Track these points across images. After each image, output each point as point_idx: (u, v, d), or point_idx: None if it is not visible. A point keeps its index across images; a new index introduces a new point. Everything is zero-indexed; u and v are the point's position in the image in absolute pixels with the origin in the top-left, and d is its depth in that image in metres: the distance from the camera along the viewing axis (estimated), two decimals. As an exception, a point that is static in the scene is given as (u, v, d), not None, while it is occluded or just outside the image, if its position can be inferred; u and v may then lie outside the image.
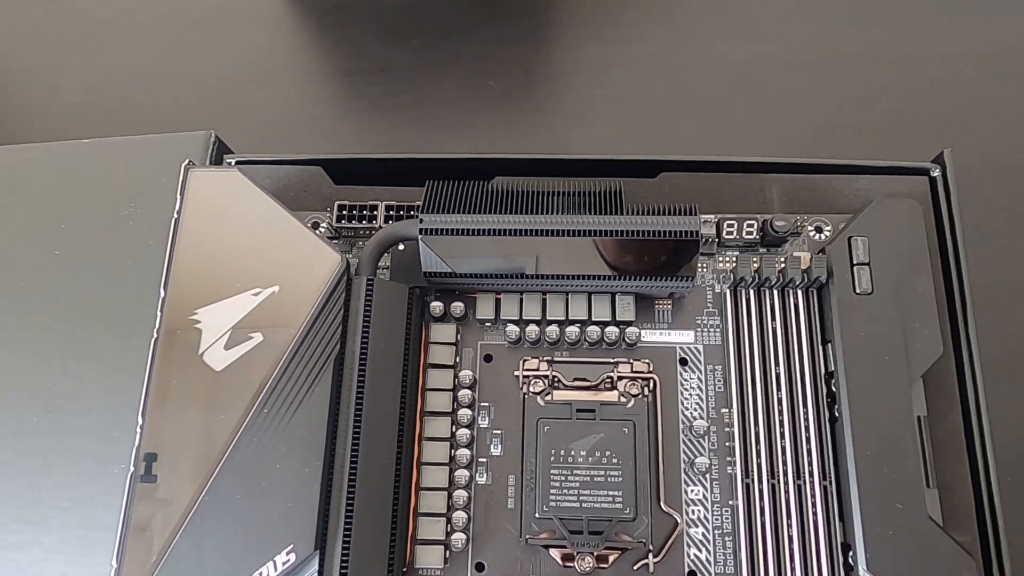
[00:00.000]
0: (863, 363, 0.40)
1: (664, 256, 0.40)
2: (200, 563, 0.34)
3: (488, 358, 0.43)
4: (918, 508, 0.38)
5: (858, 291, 0.41)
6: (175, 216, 0.40)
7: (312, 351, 0.37)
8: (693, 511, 0.41)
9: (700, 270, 0.44)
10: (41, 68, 0.68)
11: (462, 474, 0.41)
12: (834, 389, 0.40)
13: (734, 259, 0.44)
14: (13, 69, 0.68)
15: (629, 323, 0.42)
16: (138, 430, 0.37)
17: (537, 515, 0.40)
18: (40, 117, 0.65)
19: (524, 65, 0.68)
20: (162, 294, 0.39)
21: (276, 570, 0.34)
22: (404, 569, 0.39)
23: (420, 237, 0.40)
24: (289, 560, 0.34)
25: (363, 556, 0.36)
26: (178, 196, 0.40)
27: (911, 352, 0.40)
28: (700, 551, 0.40)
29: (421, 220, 0.40)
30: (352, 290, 0.39)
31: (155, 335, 0.38)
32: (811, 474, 0.40)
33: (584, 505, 0.40)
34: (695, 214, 0.40)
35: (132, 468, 0.36)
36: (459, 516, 0.40)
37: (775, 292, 0.43)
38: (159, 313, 0.38)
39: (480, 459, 0.42)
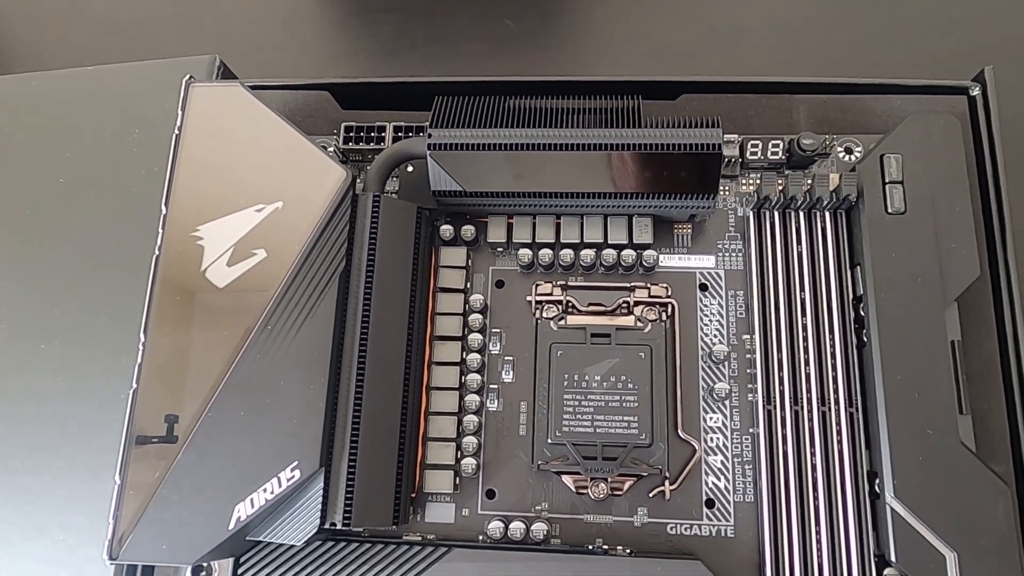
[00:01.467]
0: (894, 286, 0.38)
1: (684, 172, 0.38)
2: (204, 478, 0.34)
3: (500, 284, 0.42)
4: (950, 434, 0.36)
5: (890, 211, 0.39)
6: (176, 132, 0.39)
7: (317, 267, 0.36)
8: (712, 439, 0.39)
9: (722, 193, 0.42)
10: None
11: (472, 399, 0.39)
12: (862, 313, 0.39)
13: (758, 181, 0.42)
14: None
15: (647, 246, 0.40)
16: (140, 347, 0.36)
17: (550, 441, 0.38)
18: (43, 46, 0.64)
19: (540, 3, 0.66)
20: (163, 211, 0.38)
21: (280, 486, 0.33)
22: (413, 495, 0.39)
23: (429, 153, 0.38)
24: (294, 477, 0.33)
25: (370, 475, 0.35)
26: (179, 112, 0.39)
27: (945, 274, 0.38)
28: (719, 479, 0.38)
29: (430, 135, 0.38)
30: (358, 207, 0.38)
31: (156, 252, 0.37)
32: (837, 401, 0.38)
33: (598, 431, 0.38)
34: (717, 126, 0.38)
35: (135, 385, 0.35)
36: (469, 441, 0.39)
37: (801, 214, 0.40)
38: (160, 230, 0.37)
39: (491, 385, 0.40)
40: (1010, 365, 0.39)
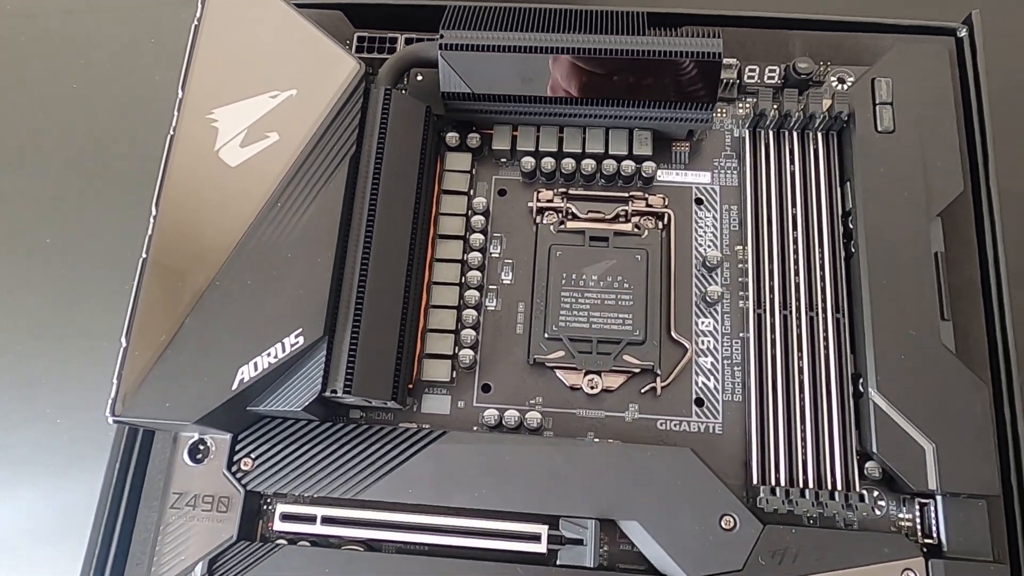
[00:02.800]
0: (881, 199, 0.39)
1: (684, 80, 0.39)
2: (209, 342, 0.34)
3: (502, 192, 0.43)
4: (932, 336, 0.37)
5: (880, 130, 0.41)
6: (195, 23, 0.40)
7: (328, 150, 0.37)
8: (703, 341, 0.40)
9: (719, 115, 0.44)
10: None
11: (472, 295, 0.40)
12: (851, 226, 0.40)
13: (755, 100, 0.43)
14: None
15: (646, 157, 0.42)
16: (151, 220, 0.37)
17: (546, 336, 0.39)
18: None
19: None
20: (179, 94, 0.39)
21: (284, 351, 0.34)
22: (411, 385, 0.39)
23: (440, 53, 0.40)
24: (297, 343, 0.34)
25: (371, 348, 0.35)
26: (199, 3, 0.40)
27: (931, 188, 0.40)
28: (708, 379, 0.40)
29: (442, 36, 0.40)
30: (369, 99, 0.39)
31: (171, 133, 0.38)
32: (824, 307, 0.39)
33: (594, 326, 0.39)
34: (717, 36, 0.39)
35: (144, 255, 0.36)
36: (467, 334, 0.40)
37: (794, 135, 0.42)
38: (175, 112, 0.38)
39: (490, 286, 0.41)
40: (990, 279, 0.40)
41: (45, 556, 0.39)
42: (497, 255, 0.42)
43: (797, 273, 0.40)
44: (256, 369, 0.34)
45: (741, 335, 0.40)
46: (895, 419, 0.36)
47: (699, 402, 0.39)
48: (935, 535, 0.36)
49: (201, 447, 0.39)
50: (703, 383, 0.40)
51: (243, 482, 0.37)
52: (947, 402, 0.36)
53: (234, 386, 0.34)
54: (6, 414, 0.41)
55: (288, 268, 0.35)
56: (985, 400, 0.36)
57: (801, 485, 0.36)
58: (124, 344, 0.35)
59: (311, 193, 0.36)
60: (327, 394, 0.35)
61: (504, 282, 0.41)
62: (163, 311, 0.35)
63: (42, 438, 0.41)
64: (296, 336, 0.34)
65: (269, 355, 0.34)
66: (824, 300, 0.39)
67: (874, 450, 0.36)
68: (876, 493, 0.36)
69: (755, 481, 0.37)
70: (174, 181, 0.37)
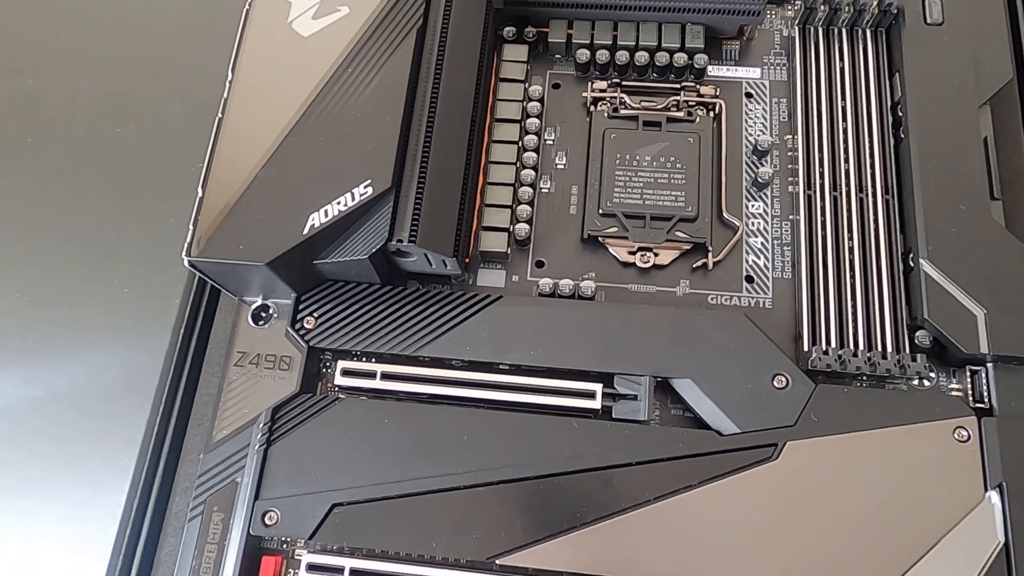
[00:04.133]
0: (931, 88, 0.40)
1: (739, -31, 0.41)
2: (281, 191, 0.36)
3: (556, 86, 0.45)
4: (982, 210, 0.38)
5: (928, 21, 0.42)
6: (268, -90, 0.42)
7: (395, 22, 0.39)
8: (753, 223, 0.41)
9: (769, 16, 0.45)
10: None
11: (528, 174, 0.42)
12: (900, 115, 0.41)
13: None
14: None
15: (698, 50, 0.43)
16: (227, 84, 0.38)
17: (600, 211, 0.41)
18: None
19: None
20: (255, -27, 0.40)
21: (353, 200, 0.35)
22: (467, 260, 0.41)
23: (503, -61, 0.41)
24: (366, 193, 0.35)
25: (435, 203, 0.37)
26: None
27: (979, 77, 0.40)
28: (759, 258, 0.40)
29: (504, -75, 0.41)
30: (434, -18, 0.41)
31: (246, 7, 0.40)
32: (874, 189, 0.40)
33: (647, 203, 0.40)
34: (772, -74, 0.41)
35: (220, 115, 0.38)
36: (523, 210, 0.41)
37: (844, 32, 0.43)
38: (251, -10, 0.40)
39: (544, 171, 0.43)
40: (1038, 167, 0.41)
41: (111, 411, 0.40)
42: (551, 142, 0.43)
43: (847, 160, 0.41)
44: (326, 216, 0.35)
45: (791, 217, 0.41)
46: (946, 287, 0.37)
47: (749, 279, 0.40)
48: (986, 400, 0.36)
49: (264, 313, 0.40)
50: (753, 261, 0.40)
51: (306, 339, 0.38)
52: (997, 271, 0.37)
53: (305, 231, 0.35)
54: (78, 286, 0.43)
55: (357, 126, 0.37)
56: (1035, 269, 0.37)
57: (852, 348, 0.37)
58: (200, 194, 0.36)
59: (380, 60, 0.38)
60: (392, 243, 0.36)
61: (558, 167, 0.43)
62: (237, 165, 0.36)
63: (111, 306, 0.42)
64: (365, 187, 0.36)
65: (339, 203, 0.35)
66: (874, 182, 0.40)
67: (926, 316, 0.36)
68: (927, 364, 0.37)
69: (806, 349, 0.37)
70: (249, 49, 0.39)
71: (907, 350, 0.37)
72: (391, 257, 0.38)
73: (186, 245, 0.35)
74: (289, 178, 0.36)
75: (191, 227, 0.36)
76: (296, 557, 0.37)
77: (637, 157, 0.41)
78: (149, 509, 0.39)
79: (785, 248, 0.41)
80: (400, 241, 0.36)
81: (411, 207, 0.36)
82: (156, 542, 0.39)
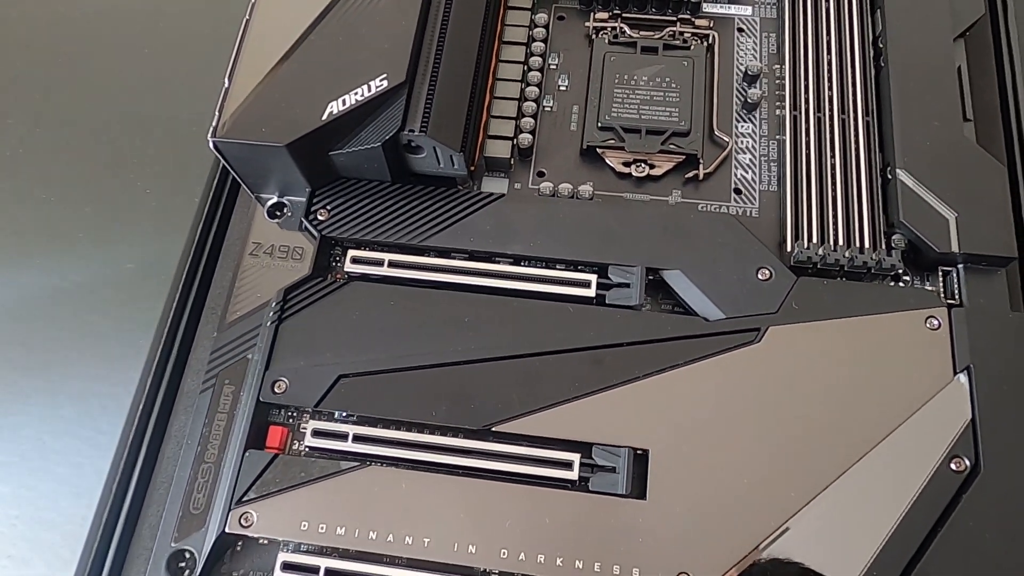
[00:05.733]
0: (909, 22, 0.43)
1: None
2: (302, 80, 0.38)
3: (561, 17, 0.48)
4: (955, 126, 0.41)
5: (907, -37, 0.45)
6: None
7: (413, -62, 0.42)
8: (742, 142, 0.44)
9: (760, -40, 0.48)
10: None
11: (532, 91, 0.44)
12: (880, 47, 0.44)
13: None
14: None
15: (693, -16, 0.46)
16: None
17: (599, 125, 0.43)
18: None
19: None
20: None
21: (370, 91, 0.38)
22: (472, 168, 0.43)
23: None
24: (382, 85, 0.38)
25: (446, 100, 0.39)
26: None
27: (954, 12, 0.44)
28: (747, 172, 0.43)
29: None
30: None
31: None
32: (855, 111, 0.43)
33: (643, 117, 0.43)
34: None
35: (247, 16, 0.40)
36: (527, 122, 0.44)
37: (829, -25, 0.46)
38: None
39: (548, 92, 0.45)
40: (1008, 97, 0.44)
41: (129, 299, 0.42)
42: (555, 66, 0.46)
43: (831, 88, 0.44)
44: (344, 104, 0.38)
45: (778, 137, 0.44)
46: (920, 194, 0.39)
47: (737, 191, 0.43)
48: (957, 298, 0.39)
49: (279, 211, 0.43)
50: (741, 175, 0.43)
51: (318, 228, 0.40)
52: (968, 181, 0.39)
53: (323, 117, 0.38)
54: (102, 185, 0.45)
55: (376, 24, 0.39)
56: (1004, 179, 0.39)
57: (832, 246, 0.39)
58: (227, 84, 0.39)
59: (397, -30, 0.41)
60: (404, 132, 0.38)
61: (560, 88, 0.45)
62: (261, 59, 0.39)
63: (133, 204, 0.45)
64: (381, 79, 0.38)
65: (356, 94, 0.38)
66: (855, 106, 0.43)
67: (901, 219, 0.39)
68: (901, 260, 0.39)
69: (789, 249, 0.40)
70: (275, -38, 0.42)
71: (884, 251, 0.39)
72: (402, 154, 0.40)
73: (211, 128, 0.38)
74: (310, 70, 0.39)
75: (216, 113, 0.38)
76: (302, 429, 0.38)
77: (635, 77, 0.44)
78: (162, 387, 0.41)
79: (772, 164, 0.43)
80: (412, 131, 0.38)
81: (423, 101, 0.39)
82: (167, 418, 0.40)
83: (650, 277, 0.39)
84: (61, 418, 0.40)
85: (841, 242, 0.39)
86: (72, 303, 0.43)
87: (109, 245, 0.44)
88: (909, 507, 0.34)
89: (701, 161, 0.43)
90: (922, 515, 0.34)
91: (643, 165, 0.43)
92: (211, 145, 0.38)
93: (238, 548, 0.37)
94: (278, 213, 0.43)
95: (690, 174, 0.43)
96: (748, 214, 0.42)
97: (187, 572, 0.36)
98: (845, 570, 0.33)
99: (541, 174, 0.44)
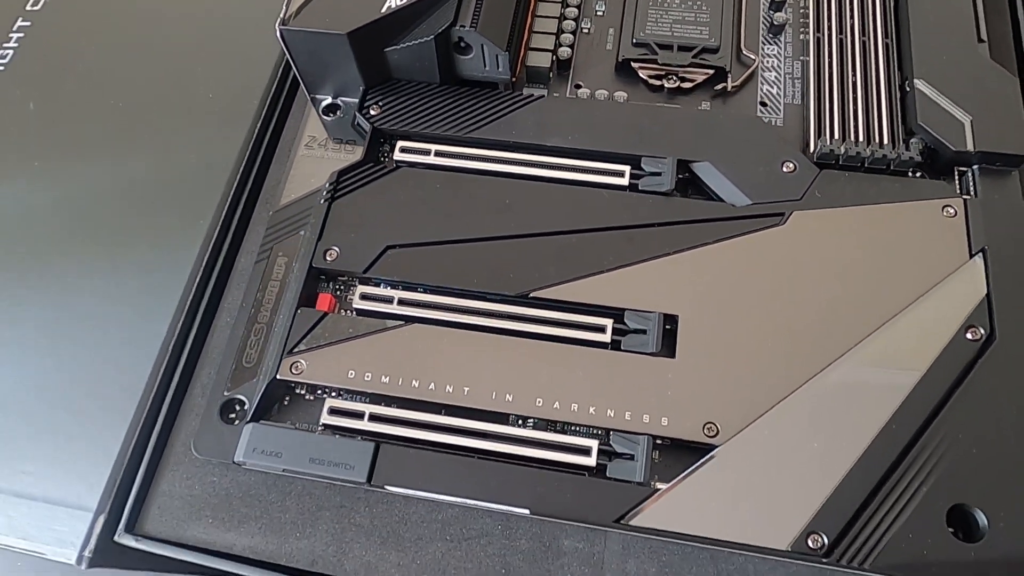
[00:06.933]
0: (926, -45, 0.47)
1: None
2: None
3: (599, -47, 0.51)
4: (970, 45, 0.43)
5: (925, -98, 0.48)
6: None
7: None
8: (768, 61, 0.47)
9: (786, -92, 0.52)
10: None
11: (571, 11, 0.48)
12: (900, -16, 0.47)
13: None
14: None
15: (724, -75, 0.50)
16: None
17: (634, 41, 0.46)
18: None
19: None
20: None
21: (425, -11, 0.41)
22: (514, 78, 0.46)
23: None
24: (437, -15, 0.41)
25: (495, 1, 0.42)
26: None
27: (969, -53, 0.47)
28: (772, 87, 0.46)
29: None
30: None
31: None
32: (875, 34, 0.46)
33: (675, 34, 0.46)
34: None
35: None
36: (566, 37, 0.47)
37: (851, -81, 0.50)
38: None
39: (586, 16, 0.49)
40: (1019, 22, 0.46)
41: (189, 191, 0.45)
42: (592, -7, 0.50)
43: (851, 15, 0.47)
44: (401, 0, 0.41)
45: (802, 58, 0.47)
46: (937, 100, 0.42)
47: (763, 103, 0.45)
48: (973, 194, 0.41)
49: (332, 113, 0.46)
50: (767, 90, 0.46)
51: (371, 121, 0.43)
52: (983, 90, 0.42)
53: (383, 9, 0.41)
54: (166, 92, 0.49)
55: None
56: (1017, 88, 0.42)
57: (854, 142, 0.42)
58: (296, -18, 0.42)
59: None
60: (456, 27, 0.41)
61: (598, 13, 0.49)
62: (327, -37, 0.43)
63: (194, 108, 0.48)
64: (438, -20, 0.42)
65: (403, -7, 0.41)
66: (875, 28, 0.46)
67: (919, 123, 0.41)
68: (920, 153, 0.41)
69: (812, 148, 0.42)
70: None
71: (903, 148, 0.42)
72: (451, 55, 0.43)
73: (279, 18, 0.41)
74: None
75: (284, 5, 0.42)
76: (349, 300, 0.41)
77: (667, 1, 0.47)
78: (217, 264, 0.43)
79: (796, 81, 0.46)
80: (463, 26, 0.41)
81: (475, 1, 0.42)
82: (222, 292, 0.43)
83: (680, 176, 0.42)
84: (123, 290, 0.43)
85: (862, 139, 0.42)
86: (138, 196, 0.46)
87: (170, 145, 0.47)
88: (926, 371, 0.36)
89: (729, 73, 0.45)
90: (938, 380, 0.35)
91: (674, 78, 0.46)
92: (278, 34, 0.41)
93: (285, 403, 0.39)
94: (332, 113, 0.46)
95: (719, 86, 0.45)
96: (773, 123, 0.45)
97: (237, 421, 0.38)
98: (863, 428, 0.35)
99: (578, 86, 0.46)
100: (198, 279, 0.43)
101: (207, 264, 0.43)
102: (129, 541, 0.37)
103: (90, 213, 0.46)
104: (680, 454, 0.36)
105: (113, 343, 0.41)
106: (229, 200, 0.45)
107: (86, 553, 0.36)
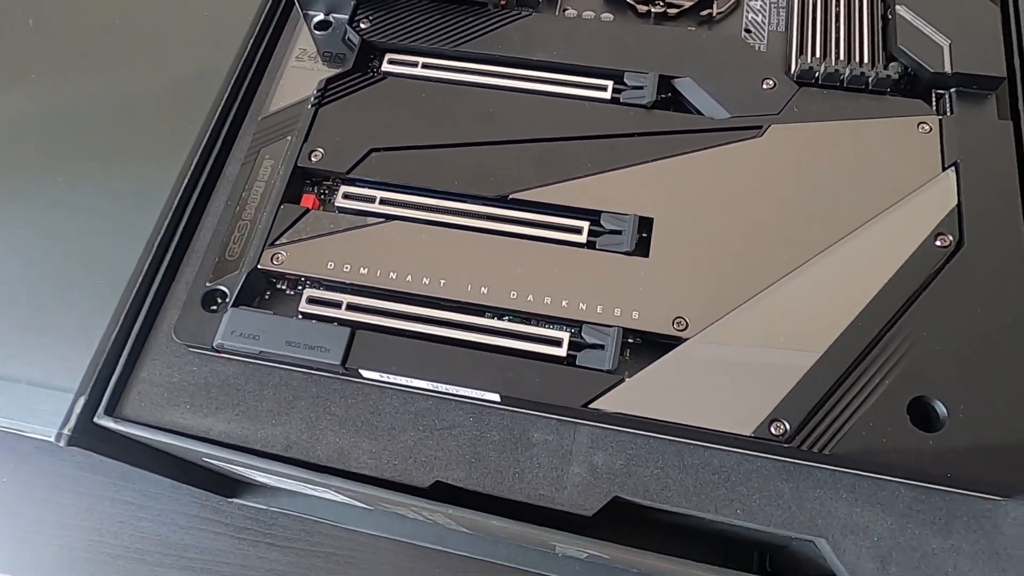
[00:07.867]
0: None
1: None
2: None
3: None
4: (952, -24, 0.44)
5: None
6: None
7: None
8: (753, -7, 0.47)
9: None
10: None
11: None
12: (886, -84, 0.48)
13: None
14: None
15: None
16: None
17: (622, -33, 0.47)
18: None
19: None
20: None
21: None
22: (503, 2, 0.47)
23: None
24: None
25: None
26: None
27: None
28: (757, 15, 0.46)
29: None
30: None
31: None
32: (860, -33, 0.46)
33: (663, -39, 0.47)
34: None
35: None
36: (556, -37, 0.48)
37: None
38: None
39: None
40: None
41: (182, 103, 0.46)
42: (584, -74, 0.50)
43: (838, -49, 0.48)
44: (393, -89, 0.42)
45: (787, -11, 0.47)
46: (917, 25, 0.42)
47: (747, 30, 0.46)
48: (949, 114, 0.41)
49: (324, 28, 0.46)
50: (752, 17, 0.46)
51: (361, 34, 0.44)
52: (963, 17, 0.42)
53: (374, -81, 0.42)
54: (160, 10, 0.50)
55: None
56: (996, 15, 0.42)
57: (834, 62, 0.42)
58: None
59: None
60: (446, -61, 0.42)
61: (589, -57, 0.50)
62: None
63: (190, 23, 0.49)
64: None
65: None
66: (860, -37, 0.47)
67: (899, 45, 0.42)
68: (898, 73, 0.42)
69: (793, 69, 0.43)
70: None
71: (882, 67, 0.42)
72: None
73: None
74: None
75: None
76: (332, 202, 0.41)
77: (657, -71, 0.48)
78: (206, 169, 0.44)
79: (780, 10, 0.47)
80: (454, -64, 0.42)
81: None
82: (208, 196, 0.44)
83: (662, 96, 0.43)
84: (115, 192, 0.44)
85: (842, 58, 0.42)
86: (132, 106, 0.47)
87: (166, 58, 0.48)
88: (895, 273, 0.36)
89: (715, 0, 0.46)
90: (906, 282, 0.36)
91: (660, 3, 0.46)
92: (271, -57, 0.42)
93: (266, 297, 0.40)
94: (323, 29, 0.47)
95: (704, 12, 0.46)
96: (757, 48, 0.45)
97: (218, 312, 0.38)
98: (830, 325, 0.35)
99: (566, 9, 0.47)
100: (186, 182, 0.43)
101: (195, 168, 0.44)
102: (108, 423, 0.38)
103: (86, 121, 0.47)
104: (651, 352, 0.36)
105: (101, 239, 0.42)
106: (219, 110, 0.45)
107: (65, 431, 0.37)
